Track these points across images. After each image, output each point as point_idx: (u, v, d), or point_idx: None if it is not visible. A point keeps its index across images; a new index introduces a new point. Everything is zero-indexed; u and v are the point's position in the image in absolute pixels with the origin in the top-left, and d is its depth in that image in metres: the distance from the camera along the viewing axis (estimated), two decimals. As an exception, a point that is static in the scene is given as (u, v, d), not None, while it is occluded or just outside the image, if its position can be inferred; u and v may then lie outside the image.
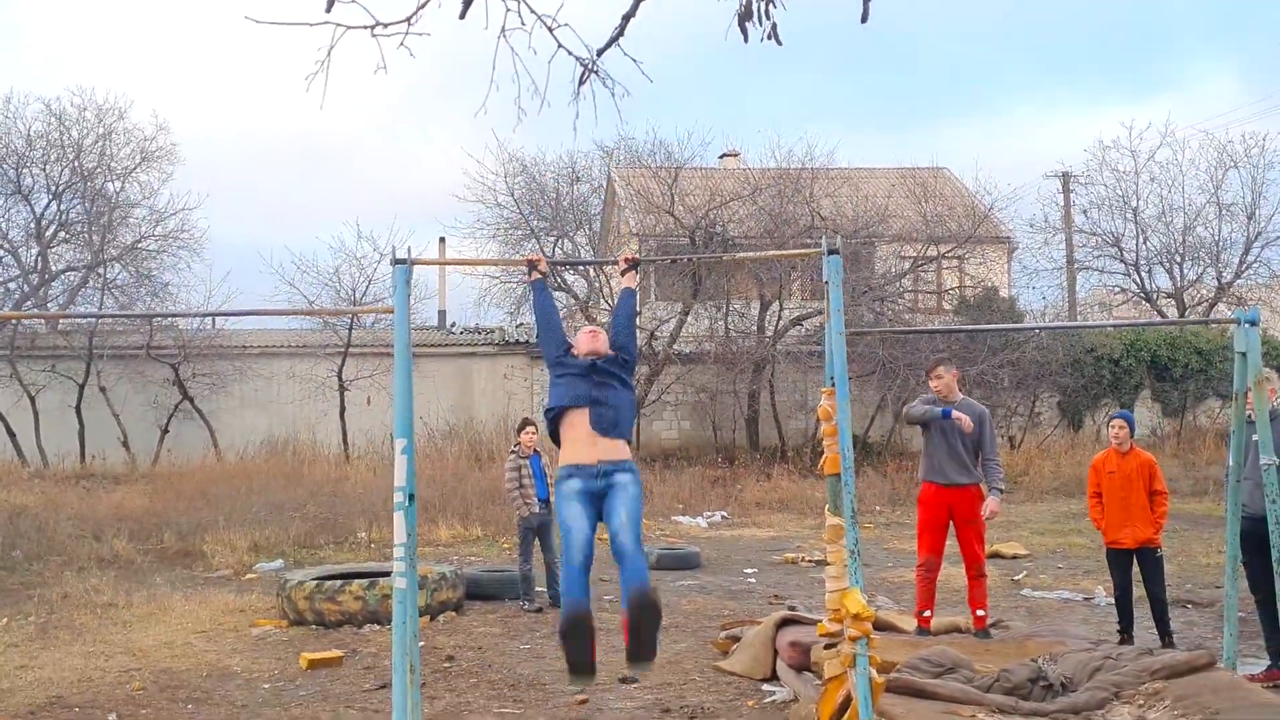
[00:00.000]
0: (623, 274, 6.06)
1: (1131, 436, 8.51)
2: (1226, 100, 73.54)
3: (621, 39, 3.41)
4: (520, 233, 25.57)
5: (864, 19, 3.37)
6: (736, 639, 8.55)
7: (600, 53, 3.43)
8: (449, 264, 6.68)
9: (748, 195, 24.39)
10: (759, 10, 3.42)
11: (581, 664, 5.05)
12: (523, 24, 3.48)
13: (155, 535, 13.92)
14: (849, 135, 73.43)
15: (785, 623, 7.96)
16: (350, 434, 23.62)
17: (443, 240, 33.12)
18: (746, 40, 3.45)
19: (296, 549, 14.12)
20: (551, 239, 25.77)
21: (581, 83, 3.49)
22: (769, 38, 3.51)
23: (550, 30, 3.52)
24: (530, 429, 11.13)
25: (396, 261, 5.89)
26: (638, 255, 6.26)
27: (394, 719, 5.74)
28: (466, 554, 14.34)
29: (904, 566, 12.54)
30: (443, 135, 75.58)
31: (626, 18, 3.34)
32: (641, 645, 5.03)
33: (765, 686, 7.63)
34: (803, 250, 6.54)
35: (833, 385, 5.99)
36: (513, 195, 25.63)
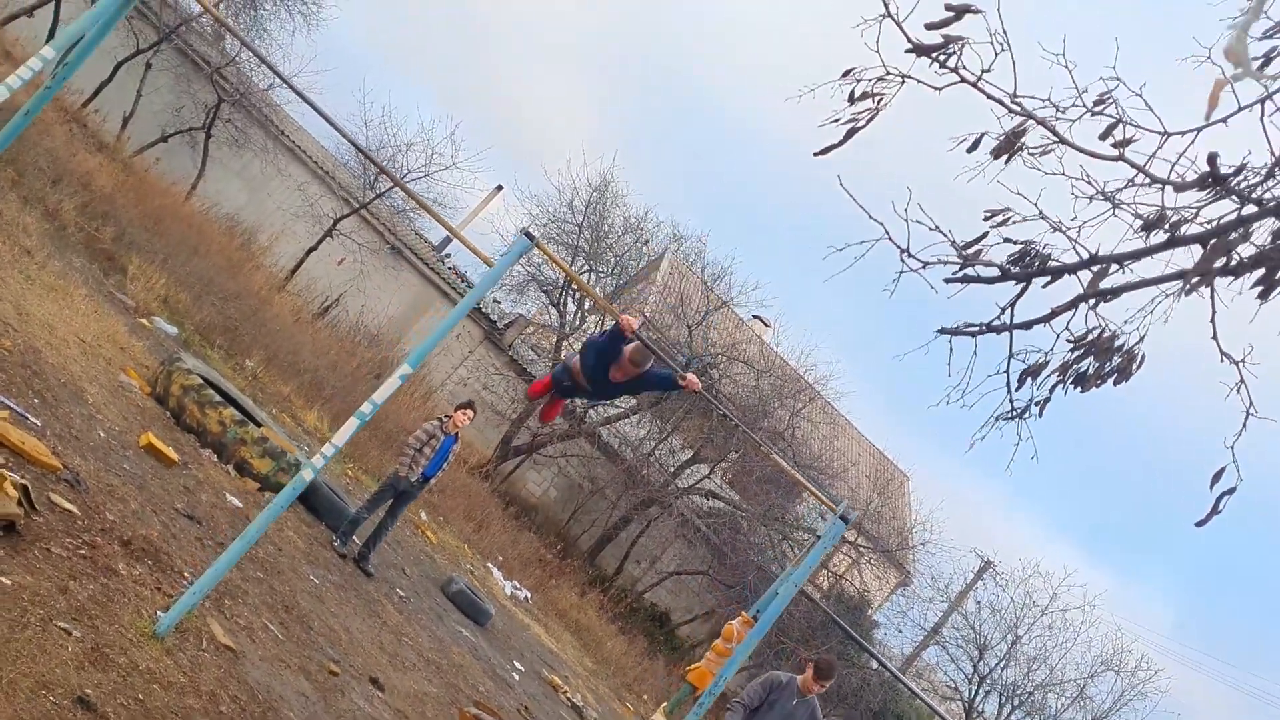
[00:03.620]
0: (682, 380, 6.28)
1: None
2: (1156, 616, 75.43)
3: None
4: (558, 232, 25.47)
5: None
6: (483, 723, 8.46)
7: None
8: (561, 268, 6.70)
9: (757, 371, 24.64)
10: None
11: None
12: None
13: (99, 221, 13.56)
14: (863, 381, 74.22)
15: (536, 749, 7.89)
16: (302, 270, 23.26)
17: (500, 188, 33.26)
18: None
19: (193, 331, 13.79)
20: (582, 262, 25.69)
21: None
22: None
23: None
24: (468, 413, 10.99)
25: (526, 234, 6.04)
26: (698, 386, 6.35)
27: (208, 573, 5.63)
28: (314, 450, 14.05)
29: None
30: (590, 114, 76.02)
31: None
32: None
33: (479, 785, 7.55)
34: (820, 493, 6.61)
35: (756, 617, 6.06)
36: (585, 207, 25.67)
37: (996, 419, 3.59)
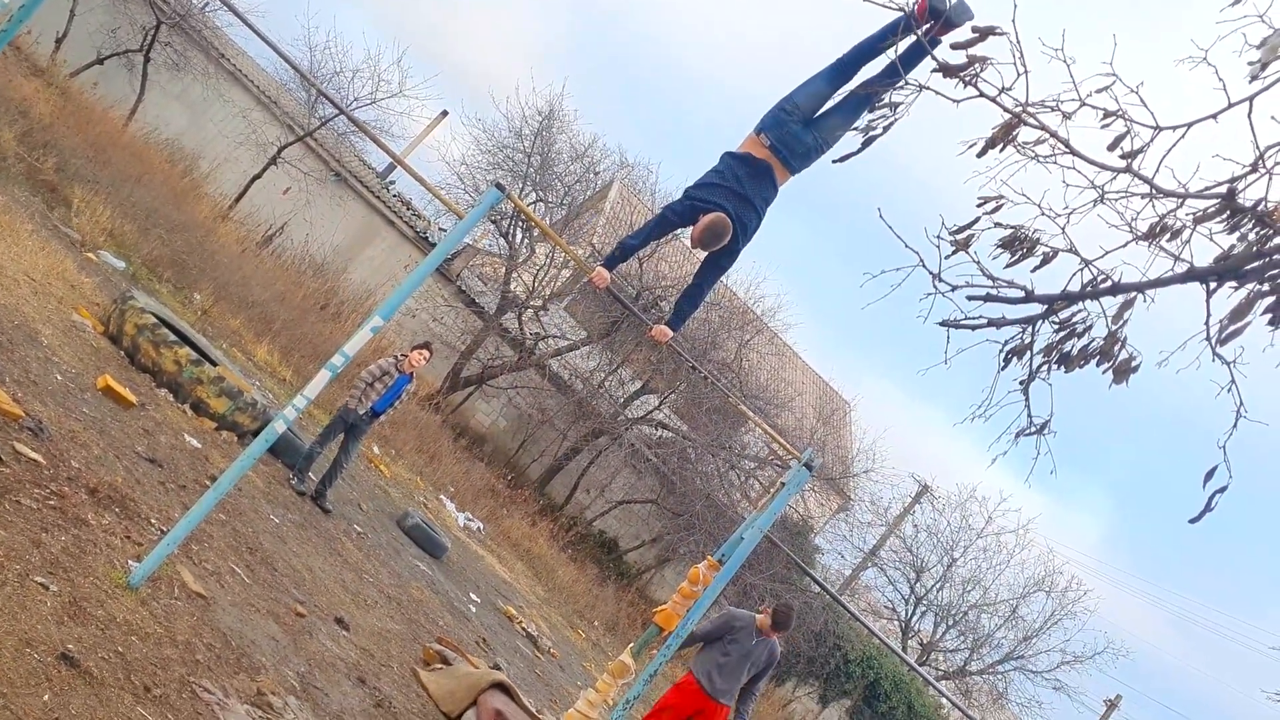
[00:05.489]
0: (651, 330, 6.35)
1: None
2: (1085, 533, 77.58)
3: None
4: (505, 159, 25.16)
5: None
6: (445, 661, 8.60)
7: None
8: (532, 220, 6.57)
9: (706, 303, 24.70)
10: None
11: None
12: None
13: (41, 151, 13.22)
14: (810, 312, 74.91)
15: (500, 686, 8.05)
16: (245, 198, 22.84)
17: (445, 114, 32.72)
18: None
19: (141, 265, 13.56)
20: (530, 191, 25.38)
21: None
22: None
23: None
24: (424, 353, 11.00)
25: (498, 185, 6.01)
26: (668, 337, 6.45)
27: (180, 523, 5.65)
28: (266, 387, 13.98)
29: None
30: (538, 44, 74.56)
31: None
32: None
33: (447, 723, 7.70)
34: (786, 444, 6.76)
35: (722, 561, 6.22)
36: (534, 135, 25.33)
37: (1017, 435, 3.71)
